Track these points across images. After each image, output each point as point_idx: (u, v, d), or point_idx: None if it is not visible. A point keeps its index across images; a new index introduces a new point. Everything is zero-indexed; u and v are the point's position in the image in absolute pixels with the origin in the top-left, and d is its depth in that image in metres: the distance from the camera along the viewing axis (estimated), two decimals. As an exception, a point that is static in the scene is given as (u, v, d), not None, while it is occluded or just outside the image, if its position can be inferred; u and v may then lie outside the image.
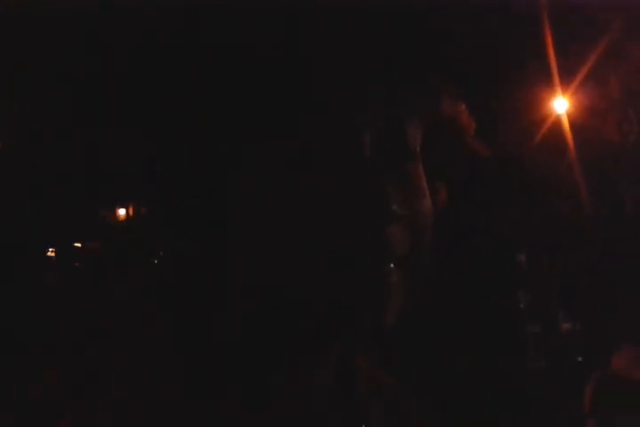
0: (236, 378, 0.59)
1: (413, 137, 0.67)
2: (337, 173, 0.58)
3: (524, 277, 4.51)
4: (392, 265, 0.61)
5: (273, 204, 0.57)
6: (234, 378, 0.60)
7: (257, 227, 0.59)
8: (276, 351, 0.61)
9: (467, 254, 4.28)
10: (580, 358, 4.59)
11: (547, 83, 4.03)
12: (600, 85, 4.19)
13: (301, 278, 0.57)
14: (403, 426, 0.74)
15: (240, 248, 0.60)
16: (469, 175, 3.95)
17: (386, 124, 0.63)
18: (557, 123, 4.20)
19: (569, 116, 4.15)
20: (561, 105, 4.22)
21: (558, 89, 4.12)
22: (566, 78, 3.97)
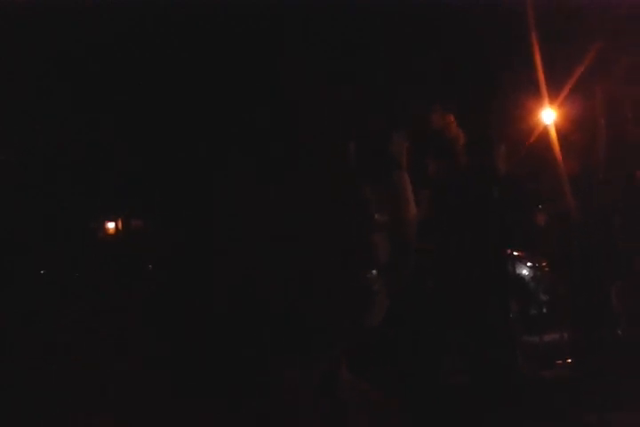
0: (219, 382, 0.57)
1: (398, 146, 0.65)
2: (319, 181, 0.56)
3: (514, 284, 4.49)
4: (374, 272, 0.59)
5: (255, 211, 0.56)
6: (217, 381, 0.58)
7: (240, 233, 0.57)
8: (258, 360, 0.59)
9: (453, 262, 4.28)
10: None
11: (534, 93, 4.04)
12: (586, 96, 4.20)
13: (282, 287, 0.56)
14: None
15: (225, 255, 0.59)
16: (458, 186, 3.95)
17: (370, 133, 0.62)
18: (545, 133, 4.21)
19: (556, 126, 4.15)
20: (549, 116, 4.23)
21: (546, 100, 4.13)
22: (554, 89, 3.99)
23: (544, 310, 5.07)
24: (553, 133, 4.14)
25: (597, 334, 4.30)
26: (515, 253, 4.48)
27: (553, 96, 4.03)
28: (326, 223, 0.61)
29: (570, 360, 4.63)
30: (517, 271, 4.63)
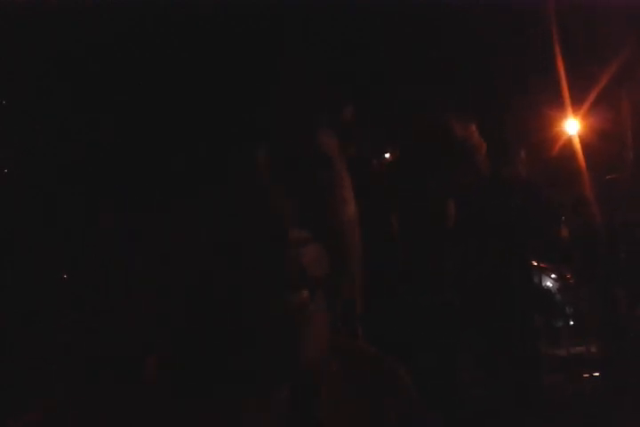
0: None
1: (326, 142, 0.59)
2: (231, 191, 0.50)
3: (539, 296, 4.44)
4: (305, 292, 0.49)
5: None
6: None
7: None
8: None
9: (475, 273, 4.23)
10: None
11: (558, 103, 4.01)
12: (612, 105, 4.16)
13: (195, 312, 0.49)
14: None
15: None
16: (480, 195, 3.91)
17: (291, 131, 0.55)
18: (570, 144, 4.17)
19: (581, 137, 4.12)
20: (573, 126, 4.19)
21: (570, 110, 4.09)
22: (578, 99, 3.95)
23: (570, 323, 5.00)
24: (577, 144, 4.10)
25: (625, 347, 4.24)
26: (539, 265, 4.42)
27: (577, 105, 3.99)
28: (239, 240, 0.51)
29: (597, 374, 4.56)
30: (542, 283, 4.57)
